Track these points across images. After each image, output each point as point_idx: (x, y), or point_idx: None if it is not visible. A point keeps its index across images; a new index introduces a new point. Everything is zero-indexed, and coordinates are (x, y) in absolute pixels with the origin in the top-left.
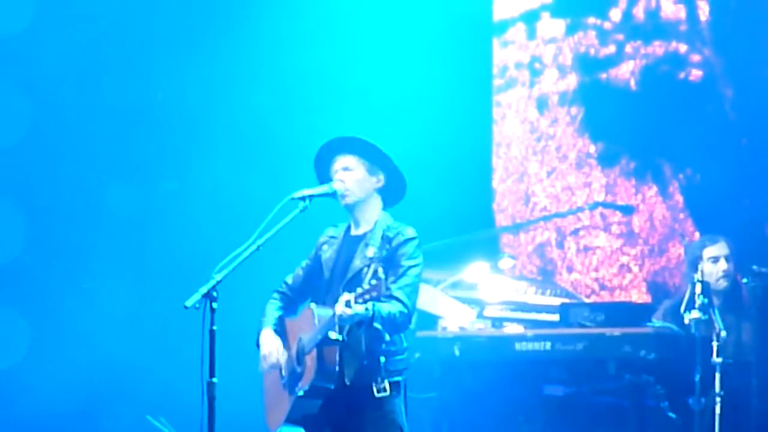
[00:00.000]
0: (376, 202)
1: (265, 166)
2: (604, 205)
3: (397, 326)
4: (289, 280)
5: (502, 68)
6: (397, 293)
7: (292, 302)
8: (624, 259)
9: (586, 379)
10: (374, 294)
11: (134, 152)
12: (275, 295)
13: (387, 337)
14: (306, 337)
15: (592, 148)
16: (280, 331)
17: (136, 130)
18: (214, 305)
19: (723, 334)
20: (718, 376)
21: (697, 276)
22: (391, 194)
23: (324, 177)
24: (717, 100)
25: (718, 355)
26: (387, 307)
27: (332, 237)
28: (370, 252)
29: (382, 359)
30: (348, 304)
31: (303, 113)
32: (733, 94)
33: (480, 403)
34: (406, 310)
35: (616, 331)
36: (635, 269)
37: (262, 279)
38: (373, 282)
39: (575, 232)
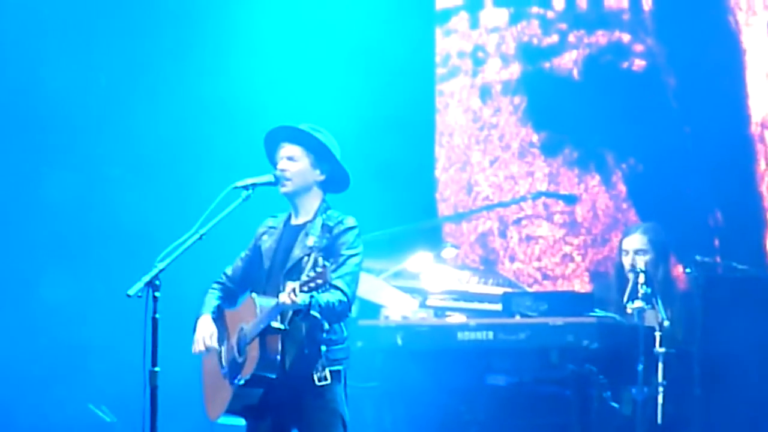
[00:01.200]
0: (317, 194)
1: (209, 154)
2: (547, 194)
3: (336, 315)
4: (229, 271)
5: (445, 57)
6: (336, 282)
7: (231, 293)
8: (567, 249)
9: (529, 368)
10: (319, 282)
11: (77, 138)
12: (215, 285)
13: (326, 326)
14: (247, 327)
15: (535, 138)
16: (219, 320)
17: (78, 116)
18: (157, 294)
19: (666, 323)
20: (660, 365)
21: (639, 267)
22: (333, 187)
23: (271, 160)
24: (660, 89)
25: (660, 345)
26: (326, 297)
27: (272, 227)
28: (310, 241)
29: (323, 348)
30: (294, 292)
31: (247, 102)
32: (676, 84)
33: (422, 392)
34: (345, 299)
35: (559, 321)
36: (578, 259)
37: (204, 268)
38: (318, 270)
39: (518, 221)
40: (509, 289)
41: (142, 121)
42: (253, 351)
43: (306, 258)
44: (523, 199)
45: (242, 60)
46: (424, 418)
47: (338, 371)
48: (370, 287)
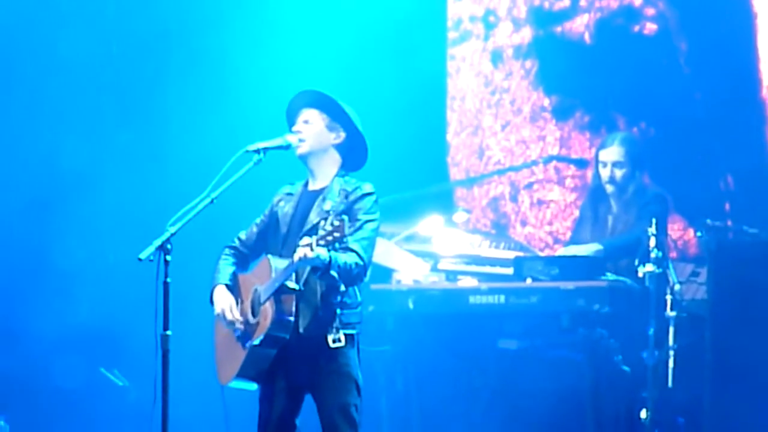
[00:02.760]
0: (334, 158)
1: (221, 118)
2: (559, 158)
3: (352, 278)
4: (243, 235)
5: (457, 21)
6: (353, 245)
7: (245, 258)
8: (578, 213)
9: (540, 332)
10: (337, 235)
11: (88, 105)
12: (227, 250)
13: (342, 288)
14: (262, 288)
15: (546, 102)
16: (233, 286)
17: (90, 83)
18: (168, 258)
19: (677, 287)
20: (671, 329)
21: (651, 230)
22: (352, 155)
23: (291, 129)
24: (671, 53)
25: (671, 309)
26: (343, 257)
27: (289, 194)
28: (327, 205)
29: (338, 311)
30: (310, 246)
31: (258, 67)
32: (688, 48)
33: (433, 356)
34: (361, 262)
35: (570, 285)
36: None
37: (216, 232)
38: (336, 223)
39: (529, 185)
40: (520, 253)
41: (153, 87)
42: (268, 311)
43: (323, 222)
44: (535, 163)
45: (253, 26)
46: (436, 382)
47: (352, 335)
48: (382, 251)
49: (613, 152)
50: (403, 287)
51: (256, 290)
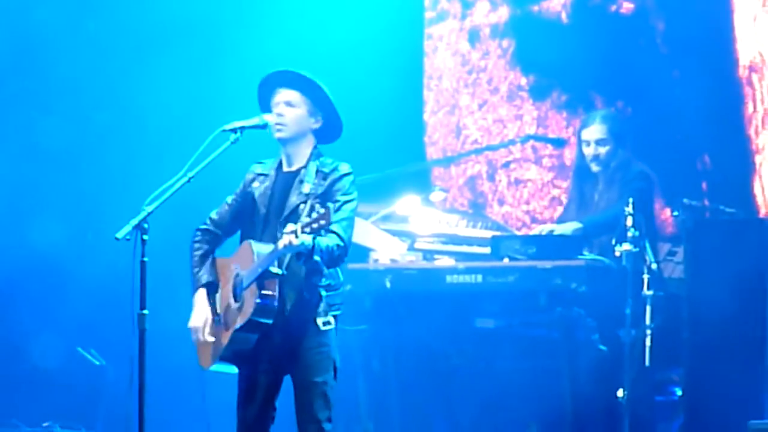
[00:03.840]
0: (310, 140)
1: (198, 98)
2: (536, 137)
3: (334, 260)
4: (215, 215)
5: (434, 1)
6: (334, 227)
7: (218, 239)
8: (555, 192)
9: (517, 311)
10: (322, 223)
11: (65, 84)
12: (199, 235)
13: (325, 270)
14: (243, 273)
15: (523, 81)
16: (212, 273)
17: (66, 63)
18: (145, 237)
19: (654, 266)
20: (648, 308)
21: (627, 210)
22: (326, 135)
23: (264, 105)
24: (648, 33)
25: (648, 288)
26: (326, 241)
27: (262, 174)
28: (306, 188)
29: (323, 293)
30: (295, 234)
31: (235, 45)
32: (665, 27)
33: (411, 335)
34: (342, 244)
35: (547, 264)
36: (566, 202)
37: (192, 211)
38: (321, 211)
39: (506, 164)
40: (498, 233)
41: (129, 67)
42: (250, 296)
43: (302, 205)
44: (512, 142)
45: (230, 4)
46: (413, 361)
47: (335, 317)
48: (359, 231)
49: (595, 130)
50: (380, 266)
51: (237, 275)
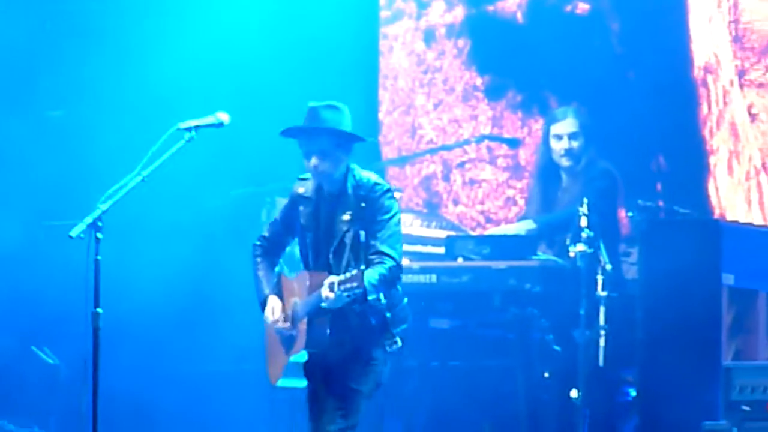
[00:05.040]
0: (344, 166)
1: (153, 96)
2: (491, 138)
3: (391, 282)
4: (267, 233)
5: (389, 0)
6: (382, 248)
7: (275, 255)
8: (510, 192)
9: (472, 311)
10: (354, 285)
11: (20, 81)
12: (258, 251)
13: (383, 299)
14: (299, 303)
15: (478, 81)
16: (278, 290)
17: (22, 60)
18: (99, 235)
19: (608, 267)
20: (602, 309)
21: (582, 210)
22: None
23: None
24: (604, 33)
25: (603, 289)
26: (376, 271)
27: (305, 197)
28: (347, 217)
29: (388, 315)
30: (331, 287)
31: (190, 43)
32: (620, 28)
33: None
34: (394, 263)
35: (502, 264)
36: (521, 202)
37: (147, 209)
38: (353, 272)
39: (461, 164)
40: (452, 233)
41: (85, 64)
42: (303, 329)
43: (347, 234)
44: (467, 142)
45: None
46: None
47: (400, 332)
48: None
49: (568, 124)
50: None
51: (295, 303)
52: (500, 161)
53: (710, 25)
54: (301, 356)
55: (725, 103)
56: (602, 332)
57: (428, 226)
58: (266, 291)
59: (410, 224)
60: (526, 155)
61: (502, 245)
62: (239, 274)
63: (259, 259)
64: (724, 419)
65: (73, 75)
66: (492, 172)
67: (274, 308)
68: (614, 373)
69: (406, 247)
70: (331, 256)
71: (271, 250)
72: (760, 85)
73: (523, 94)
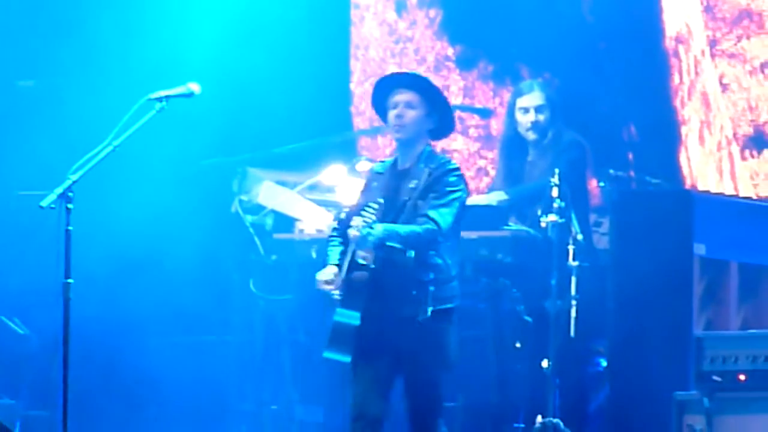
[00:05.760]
0: (425, 140)
1: (123, 66)
2: (462, 108)
3: (422, 242)
4: (343, 216)
5: None
6: (429, 212)
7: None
8: (481, 163)
9: None
10: (371, 213)
11: None
12: (333, 233)
13: (411, 254)
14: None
15: (450, 51)
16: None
17: None
18: (70, 206)
19: (579, 237)
20: (574, 279)
21: (553, 181)
22: (437, 134)
23: (378, 104)
24: (575, 3)
25: (574, 259)
26: (410, 227)
27: (378, 173)
28: (412, 184)
29: (431, 288)
30: (357, 227)
31: (161, 15)
32: None
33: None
34: (434, 227)
35: (473, 234)
36: (493, 173)
37: (117, 179)
38: (376, 205)
39: None
40: None
41: (55, 34)
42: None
43: (409, 202)
44: None
45: None
46: None
47: (447, 310)
48: (285, 200)
49: (535, 97)
50: (305, 237)
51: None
52: (472, 131)
53: None
54: (342, 357)
55: (697, 74)
56: (573, 302)
57: None
58: (329, 261)
59: None
60: (497, 126)
61: (474, 215)
62: (209, 244)
63: (332, 240)
64: (695, 389)
65: (43, 45)
66: (464, 143)
67: (324, 272)
68: (585, 343)
69: None
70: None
71: (344, 231)
72: (732, 56)
73: (494, 65)
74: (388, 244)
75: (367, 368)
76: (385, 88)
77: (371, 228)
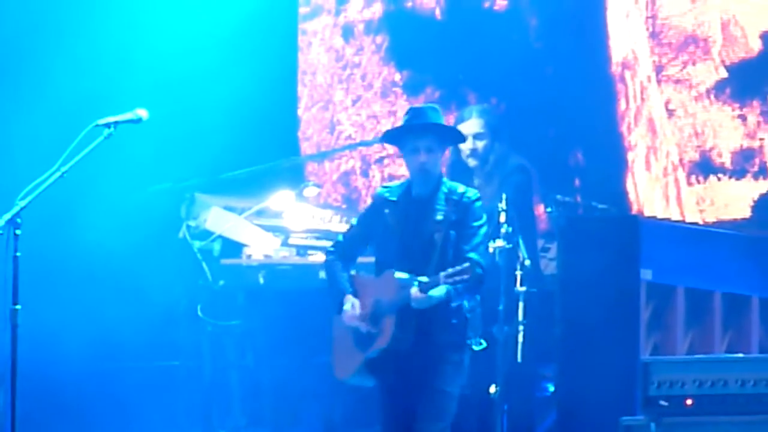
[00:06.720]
0: (439, 170)
1: (71, 91)
2: None
3: (475, 290)
4: (342, 239)
5: None
6: (472, 255)
7: (349, 260)
8: None
9: None
10: (465, 277)
11: None
12: (331, 257)
13: (466, 305)
14: (385, 301)
15: (397, 77)
16: (353, 290)
17: None
18: (18, 231)
19: (527, 263)
20: (521, 304)
21: (501, 206)
22: None
23: (400, 142)
24: (522, 29)
25: (521, 284)
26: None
27: (391, 201)
28: (440, 217)
29: (469, 316)
30: (423, 287)
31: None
32: (538, 24)
33: (284, 331)
34: (481, 271)
35: None
36: None
37: (65, 205)
38: (465, 265)
39: (380, 160)
40: None
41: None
42: (389, 326)
43: (437, 234)
44: None
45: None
46: (286, 357)
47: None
48: (233, 226)
49: (472, 124)
50: (253, 262)
51: (377, 302)
52: None
53: (628, 21)
54: (366, 381)
55: (643, 99)
56: (521, 328)
57: (347, 222)
58: (343, 290)
59: (329, 220)
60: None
61: None
62: (157, 269)
63: (334, 262)
64: (642, 414)
65: None
66: None
67: (354, 305)
68: (533, 368)
69: (326, 243)
70: (419, 256)
71: (345, 254)
72: (678, 81)
73: (441, 90)
74: (451, 305)
75: (385, 389)
76: (411, 132)
77: (432, 289)
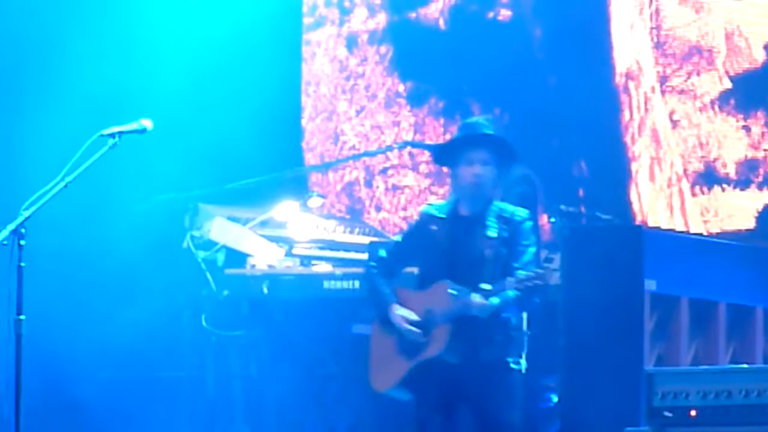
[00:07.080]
0: (492, 189)
1: (76, 101)
2: (413, 144)
3: (523, 308)
4: (384, 254)
5: (312, 6)
6: (520, 273)
7: (391, 275)
8: (432, 198)
9: None
10: (539, 283)
11: None
12: (375, 270)
13: (513, 320)
14: (439, 311)
15: (401, 87)
16: (398, 302)
17: None
18: (22, 242)
19: None
20: (525, 315)
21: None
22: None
23: (450, 156)
24: (526, 40)
25: None
26: (512, 291)
27: (438, 218)
28: (491, 233)
29: (513, 334)
30: (486, 295)
31: (115, 50)
32: (542, 34)
33: (288, 341)
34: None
35: None
36: None
37: (70, 216)
38: (540, 271)
39: (384, 171)
40: (375, 239)
41: (9, 71)
42: (442, 335)
43: (488, 251)
44: (389, 148)
45: (111, 8)
46: (290, 367)
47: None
48: (237, 236)
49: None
50: (257, 272)
51: (429, 311)
52: (422, 167)
53: (632, 32)
54: (404, 395)
55: (647, 110)
56: (525, 338)
57: (351, 233)
58: (389, 299)
59: (333, 230)
60: None
61: None
62: (161, 279)
63: (377, 276)
64: (646, 425)
65: None
66: (414, 179)
67: (404, 315)
68: (536, 379)
69: (330, 254)
70: (468, 272)
71: (388, 270)
72: (682, 92)
73: (445, 101)
74: (503, 316)
75: (426, 404)
76: (466, 143)
77: (493, 297)
